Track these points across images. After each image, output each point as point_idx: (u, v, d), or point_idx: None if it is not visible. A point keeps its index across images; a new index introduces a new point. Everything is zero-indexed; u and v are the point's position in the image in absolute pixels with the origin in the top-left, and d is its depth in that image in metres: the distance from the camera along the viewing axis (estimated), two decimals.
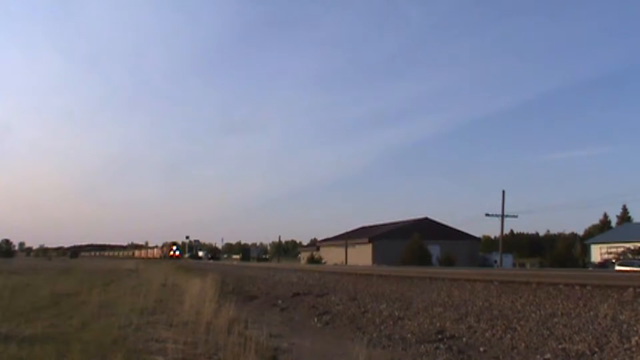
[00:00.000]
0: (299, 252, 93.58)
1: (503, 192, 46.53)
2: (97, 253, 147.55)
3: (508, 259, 57.72)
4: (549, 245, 71.26)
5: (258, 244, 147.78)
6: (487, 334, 6.71)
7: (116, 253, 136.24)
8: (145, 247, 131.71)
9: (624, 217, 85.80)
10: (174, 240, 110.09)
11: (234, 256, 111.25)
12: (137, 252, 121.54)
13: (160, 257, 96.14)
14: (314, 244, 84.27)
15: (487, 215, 46.99)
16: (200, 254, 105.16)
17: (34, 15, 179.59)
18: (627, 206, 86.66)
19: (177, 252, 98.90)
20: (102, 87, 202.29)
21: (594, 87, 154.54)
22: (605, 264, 43.82)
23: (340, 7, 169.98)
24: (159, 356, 5.61)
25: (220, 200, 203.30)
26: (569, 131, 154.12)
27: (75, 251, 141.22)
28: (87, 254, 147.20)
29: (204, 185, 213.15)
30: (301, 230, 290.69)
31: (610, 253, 51.04)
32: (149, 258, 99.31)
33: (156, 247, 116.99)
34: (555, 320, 6.67)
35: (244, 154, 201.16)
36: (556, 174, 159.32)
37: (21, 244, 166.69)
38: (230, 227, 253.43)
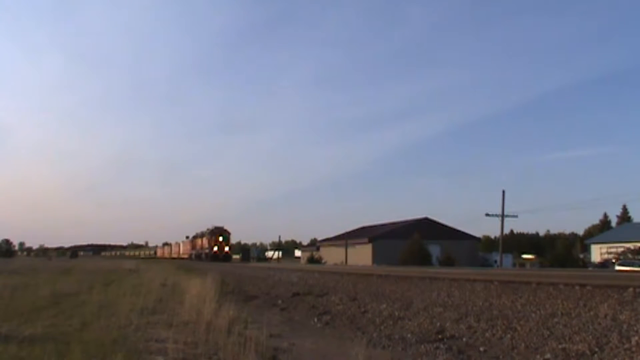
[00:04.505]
0: (300, 252, 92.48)
1: (503, 192, 46.59)
2: (118, 252, 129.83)
3: (508, 259, 57.75)
4: (549, 245, 71.31)
5: (258, 244, 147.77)
6: (487, 334, 6.71)
7: (136, 252, 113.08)
8: (146, 247, 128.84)
9: (624, 217, 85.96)
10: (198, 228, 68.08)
11: (234, 256, 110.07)
12: (159, 251, 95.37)
13: (190, 257, 65.36)
14: (314, 244, 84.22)
15: (487, 215, 47.05)
16: (269, 254, 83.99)
17: (35, 15, 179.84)
18: (627, 206, 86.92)
19: (227, 249, 58.98)
20: (103, 87, 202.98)
21: (594, 87, 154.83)
22: (605, 264, 43.84)
23: (341, 7, 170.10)
24: (159, 356, 5.61)
25: (220, 200, 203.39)
26: (569, 131, 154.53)
27: (75, 251, 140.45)
28: (108, 253, 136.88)
29: (204, 185, 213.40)
30: (301, 230, 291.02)
31: (610, 253, 51.05)
32: (173, 258, 71.29)
33: (184, 240, 76.12)
34: (555, 320, 6.66)
35: (244, 154, 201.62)
36: (556, 174, 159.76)
37: (21, 244, 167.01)
38: (230, 227, 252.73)
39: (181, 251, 74.00)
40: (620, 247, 49.90)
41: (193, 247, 66.84)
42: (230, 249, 59.56)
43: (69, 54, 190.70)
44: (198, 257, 61.63)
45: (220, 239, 58.15)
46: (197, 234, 66.92)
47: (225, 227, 60.48)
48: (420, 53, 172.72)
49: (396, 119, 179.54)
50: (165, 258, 75.99)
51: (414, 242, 50.18)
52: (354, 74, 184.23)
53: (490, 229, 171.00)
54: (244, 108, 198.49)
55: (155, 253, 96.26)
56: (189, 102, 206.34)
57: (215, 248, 57.18)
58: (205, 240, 60.32)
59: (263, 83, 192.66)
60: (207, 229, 60.92)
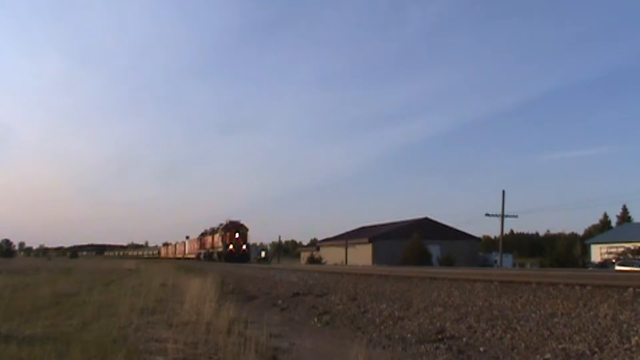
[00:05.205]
0: (299, 252, 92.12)
1: (503, 192, 46.57)
2: (121, 252, 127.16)
3: (508, 259, 57.76)
4: (549, 245, 71.25)
5: (258, 244, 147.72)
6: (487, 334, 6.71)
7: (138, 252, 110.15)
8: (146, 246, 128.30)
9: (624, 217, 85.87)
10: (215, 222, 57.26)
11: None
12: (162, 250, 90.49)
13: (198, 257, 59.13)
14: (314, 244, 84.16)
15: (487, 215, 47.02)
16: (264, 254, 77.92)
17: (34, 15, 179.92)
18: (627, 206, 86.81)
19: (245, 247, 50.12)
20: (102, 87, 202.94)
21: (593, 87, 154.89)
22: (605, 264, 43.83)
23: (341, 7, 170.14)
24: (159, 356, 5.61)
25: (220, 200, 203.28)
26: (568, 131, 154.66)
27: (74, 251, 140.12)
28: (110, 253, 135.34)
29: (203, 185, 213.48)
30: (301, 230, 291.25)
31: (610, 253, 51.03)
32: (178, 258, 66.97)
33: (187, 238, 70.31)
34: (555, 320, 6.66)
35: (244, 154, 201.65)
36: (556, 174, 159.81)
37: (21, 244, 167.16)
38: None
39: (187, 250, 67.78)
40: (620, 247, 49.91)
41: (202, 245, 59.09)
42: (247, 247, 50.73)
43: (68, 54, 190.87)
44: (208, 256, 54.21)
45: (237, 235, 49.47)
46: (206, 230, 58.60)
47: (242, 222, 51.59)
48: (420, 53, 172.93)
49: (396, 119, 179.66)
50: (169, 258, 71.62)
51: (414, 242, 50.18)
52: (354, 74, 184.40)
53: (490, 229, 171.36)
54: (243, 108, 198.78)
55: (159, 253, 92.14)
56: (188, 102, 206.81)
57: (231, 246, 48.77)
58: (217, 238, 51.75)
59: (263, 83, 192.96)
60: (220, 225, 52.19)
